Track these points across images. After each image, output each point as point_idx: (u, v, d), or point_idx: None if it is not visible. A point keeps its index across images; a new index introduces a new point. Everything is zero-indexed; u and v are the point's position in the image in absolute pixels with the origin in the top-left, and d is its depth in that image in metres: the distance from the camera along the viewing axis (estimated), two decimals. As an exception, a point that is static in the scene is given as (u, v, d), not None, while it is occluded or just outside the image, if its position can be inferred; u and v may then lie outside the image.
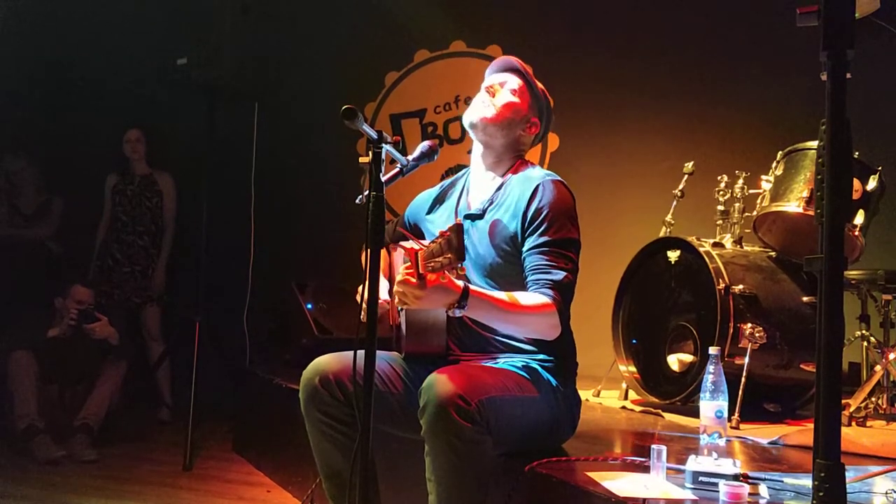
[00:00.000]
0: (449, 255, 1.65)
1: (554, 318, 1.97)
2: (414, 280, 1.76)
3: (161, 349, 4.71)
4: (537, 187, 2.10)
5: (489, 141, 2.22)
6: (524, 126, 2.22)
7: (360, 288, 2.02)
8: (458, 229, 1.65)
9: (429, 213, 2.36)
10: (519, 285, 2.05)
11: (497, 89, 2.22)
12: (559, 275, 1.99)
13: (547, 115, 2.29)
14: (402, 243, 2.19)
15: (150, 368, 4.61)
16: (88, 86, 5.25)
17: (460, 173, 2.37)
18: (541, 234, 2.05)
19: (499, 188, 2.19)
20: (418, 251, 1.79)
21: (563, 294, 1.99)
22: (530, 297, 1.97)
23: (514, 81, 2.23)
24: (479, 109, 2.20)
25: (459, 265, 1.66)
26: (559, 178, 2.17)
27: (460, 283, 1.85)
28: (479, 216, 2.18)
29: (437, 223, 2.29)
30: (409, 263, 1.80)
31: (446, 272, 1.72)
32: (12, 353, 3.84)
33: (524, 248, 2.07)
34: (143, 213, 4.72)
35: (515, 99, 2.21)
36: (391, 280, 2.32)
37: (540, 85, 2.27)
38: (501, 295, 1.96)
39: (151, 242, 4.73)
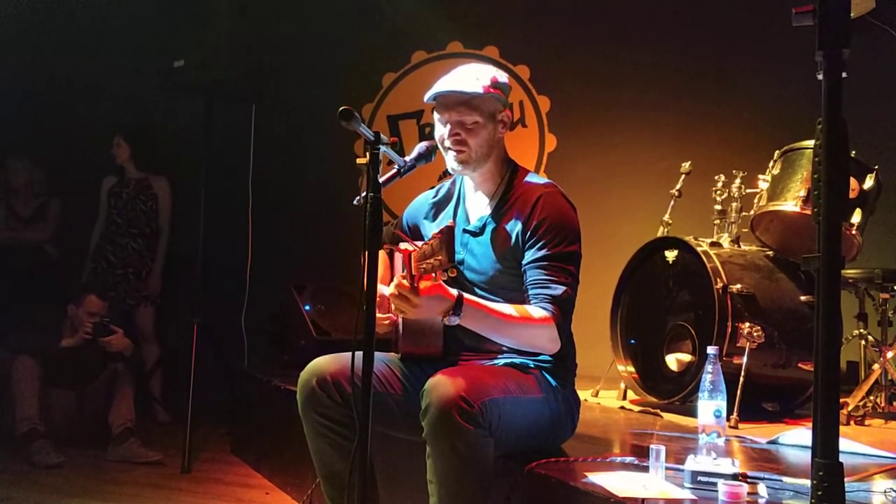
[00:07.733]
0: (440, 258, 1.66)
1: (552, 331, 1.96)
2: (408, 287, 1.77)
3: (154, 349, 4.70)
4: (538, 199, 2.08)
5: (477, 170, 2.17)
6: (499, 133, 2.16)
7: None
8: (448, 231, 1.65)
9: (427, 217, 2.34)
10: (522, 298, 2.04)
11: (460, 132, 2.10)
12: (558, 289, 1.99)
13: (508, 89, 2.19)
14: (399, 245, 2.18)
15: (144, 369, 4.59)
16: (85, 88, 5.23)
17: (452, 179, 2.34)
18: (540, 248, 2.03)
19: (497, 202, 2.17)
20: (412, 252, 1.79)
21: (563, 308, 1.98)
22: (528, 310, 1.96)
23: (472, 117, 2.09)
24: (457, 158, 2.11)
25: (450, 267, 1.67)
26: (559, 189, 2.14)
27: (454, 291, 1.86)
28: (479, 232, 2.16)
29: (436, 228, 2.28)
30: (406, 272, 1.81)
31: (438, 274, 1.73)
32: (16, 357, 3.83)
33: (524, 262, 2.06)
34: (138, 215, 4.71)
35: (483, 133, 2.11)
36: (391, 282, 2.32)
37: (494, 76, 2.12)
38: (498, 306, 1.94)
39: (146, 245, 4.72)
